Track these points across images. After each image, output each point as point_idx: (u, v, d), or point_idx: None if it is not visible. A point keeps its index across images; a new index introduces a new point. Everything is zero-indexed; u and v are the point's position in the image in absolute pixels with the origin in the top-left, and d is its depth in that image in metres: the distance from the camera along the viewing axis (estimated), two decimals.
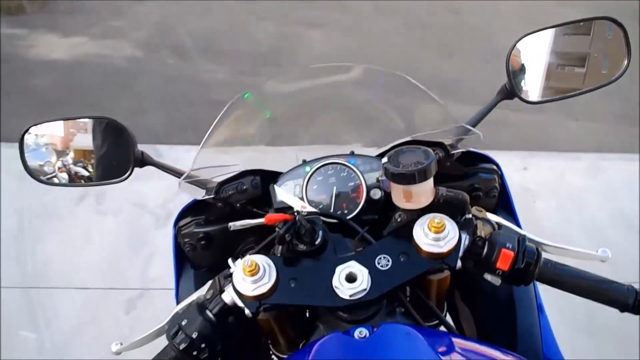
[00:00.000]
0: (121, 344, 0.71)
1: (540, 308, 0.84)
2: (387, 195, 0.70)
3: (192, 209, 0.86)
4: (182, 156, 2.60)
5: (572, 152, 2.96)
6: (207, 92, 3.24)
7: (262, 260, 0.61)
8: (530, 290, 0.84)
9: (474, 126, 0.80)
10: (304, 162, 0.81)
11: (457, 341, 0.60)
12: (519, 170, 2.70)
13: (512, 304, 0.81)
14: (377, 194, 0.75)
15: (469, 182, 0.80)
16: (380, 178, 0.64)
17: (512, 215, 0.86)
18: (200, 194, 0.81)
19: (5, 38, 4.16)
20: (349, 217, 0.73)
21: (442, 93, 0.87)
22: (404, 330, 0.56)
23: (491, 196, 0.81)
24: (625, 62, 0.76)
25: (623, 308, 0.62)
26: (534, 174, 2.67)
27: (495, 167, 0.83)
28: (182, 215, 0.86)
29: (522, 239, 0.62)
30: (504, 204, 0.85)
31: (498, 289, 0.73)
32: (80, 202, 2.24)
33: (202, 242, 0.82)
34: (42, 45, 4.07)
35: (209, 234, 0.82)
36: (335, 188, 0.76)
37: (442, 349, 0.55)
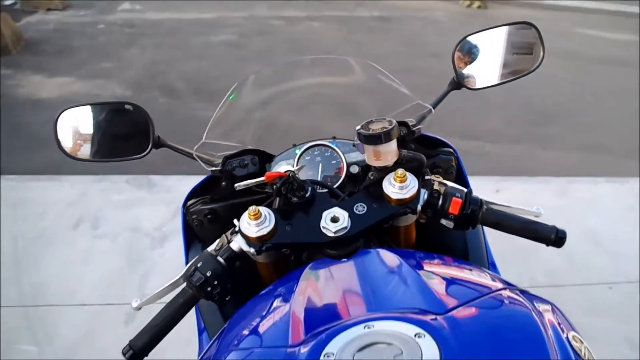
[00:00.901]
0: (140, 300, 0.80)
1: (492, 265, 0.99)
2: (364, 172, 0.84)
3: (198, 191, 0.97)
4: (175, 185, 2.71)
5: (541, 176, 3.17)
6: (199, 128, 3.37)
7: (263, 209, 0.74)
8: (481, 248, 0.98)
9: (422, 121, 0.95)
10: (294, 146, 0.94)
11: (428, 258, 0.72)
12: (492, 192, 2.88)
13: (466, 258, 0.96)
14: (355, 169, 0.89)
15: (430, 161, 0.95)
16: (355, 142, 0.79)
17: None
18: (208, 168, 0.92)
19: None
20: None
21: None
22: (380, 251, 0.69)
23: (449, 173, 0.96)
24: (542, 54, 0.94)
25: (547, 242, 0.77)
26: (506, 195, 2.85)
27: (452, 150, 0.98)
28: (189, 196, 0.97)
29: (469, 192, 0.78)
30: (460, 182, 1.00)
31: (455, 247, 0.87)
32: (77, 228, 2.32)
33: (209, 217, 0.93)
34: (30, 85, 4.18)
35: (215, 210, 0.93)
36: (320, 166, 0.90)
37: (413, 261, 0.67)
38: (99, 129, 0.88)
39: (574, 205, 2.84)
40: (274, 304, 0.65)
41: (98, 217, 2.39)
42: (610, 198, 2.97)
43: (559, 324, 0.54)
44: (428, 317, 0.51)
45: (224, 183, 0.91)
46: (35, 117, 3.61)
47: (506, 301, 0.57)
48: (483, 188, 2.87)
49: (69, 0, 6.85)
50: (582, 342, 0.54)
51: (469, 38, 0.93)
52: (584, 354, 0.52)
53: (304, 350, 0.49)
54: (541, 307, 0.56)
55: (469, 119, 4.11)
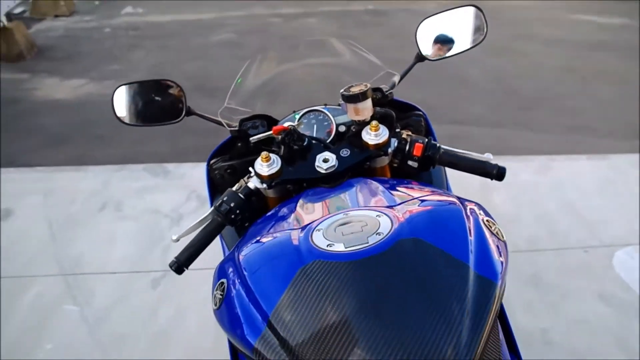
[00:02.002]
0: (178, 234, 1.02)
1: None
2: (349, 130, 1.08)
3: (219, 151, 1.21)
4: (188, 172, 2.97)
5: (525, 155, 3.41)
6: (204, 123, 3.63)
7: (272, 155, 0.99)
8: (444, 187, 1.21)
9: (397, 83, 1.19)
10: (294, 112, 1.18)
11: (395, 181, 0.95)
12: None
13: None
14: (342, 128, 1.11)
15: (404, 122, 1.19)
16: (339, 102, 1.03)
17: None
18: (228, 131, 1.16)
19: (9, 82, 4.53)
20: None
21: None
22: (360, 179, 0.93)
23: (419, 131, 1.19)
24: (486, 30, 1.18)
25: (491, 177, 1.00)
26: None
27: (422, 113, 1.22)
28: (212, 156, 1.21)
29: (429, 139, 1.01)
30: None
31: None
32: (102, 211, 2.58)
33: (228, 171, 1.17)
34: (45, 88, 4.44)
35: (233, 165, 1.17)
36: (315, 127, 1.14)
37: (384, 184, 0.90)
38: (144, 100, 1.13)
39: (554, 180, 3.07)
40: (280, 214, 0.89)
41: (120, 202, 2.65)
42: (590, 173, 3.19)
43: (479, 213, 0.78)
44: (386, 208, 0.75)
45: (239, 144, 1.16)
46: (53, 117, 3.88)
47: (442, 197, 0.81)
48: None
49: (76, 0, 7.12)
50: (494, 224, 0.78)
51: (428, 19, 1.17)
52: (495, 231, 0.76)
53: (302, 232, 0.74)
54: (468, 203, 0.80)
55: (457, 107, 4.35)
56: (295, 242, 0.73)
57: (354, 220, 0.73)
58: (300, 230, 0.75)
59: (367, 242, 0.68)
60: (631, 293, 2.17)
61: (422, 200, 0.79)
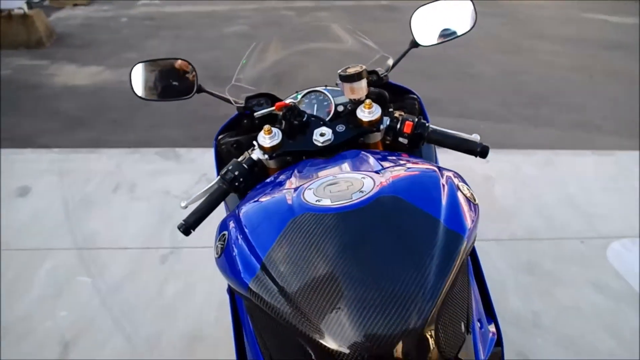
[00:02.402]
0: (186, 201, 1.12)
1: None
2: (346, 109, 1.16)
3: (226, 128, 1.29)
4: (198, 157, 3.08)
5: (528, 149, 3.46)
6: (215, 110, 3.73)
7: (274, 128, 1.07)
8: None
9: (392, 67, 1.26)
10: (296, 92, 1.26)
11: (385, 153, 1.02)
12: (482, 162, 3.18)
13: None
14: (340, 108, 1.19)
15: (399, 104, 1.26)
16: (337, 82, 1.11)
17: None
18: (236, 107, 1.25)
19: (29, 68, 4.68)
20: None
21: None
22: (353, 151, 1.01)
23: (413, 113, 1.27)
24: (475, 19, 1.24)
25: (475, 154, 1.08)
26: (494, 165, 3.15)
27: (416, 96, 1.30)
28: (220, 132, 1.29)
29: (419, 118, 1.09)
30: None
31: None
32: (116, 191, 2.69)
33: (234, 146, 1.25)
34: (64, 74, 4.57)
35: (239, 140, 1.25)
36: (315, 106, 1.22)
37: (375, 154, 0.98)
38: (158, 77, 1.22)
39: (557, 174, 3.13)
40: (278, 180, 0.98)
41: (133, 183, 2.76)
42: (593, 168, 3.24)
43: (454, 178, 0.86)
44: (372, 172, 0.84)
45: (245, 121, 1.25)
46: (71, 102, 4.01)
47: (422, 165, 0.89)
48: (474, 159, 3.19)
49: None
50: (469, 190, 0.86)
51: (422, 8, 1.25)
52: (469, 195, 0.84)
53: (295, 192, 0.83)
54: (446, 171, 0.88)
55: (465, 101, 4.41)
56: (289, 200, 0.82)
57: (341, 181, 0.82)
58: (293, 190, 0.84)
59: (351, 199, 0.76)
60: (623, 282, 2.23)
61: (405, 167, 0.88)
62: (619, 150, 3.50)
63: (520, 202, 2.80)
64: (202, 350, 1.78)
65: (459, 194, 0.81)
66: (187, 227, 1.05)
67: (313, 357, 0.68)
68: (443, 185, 0.81)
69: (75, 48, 5.28)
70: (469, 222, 0.77)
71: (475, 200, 0.85)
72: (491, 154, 3.38)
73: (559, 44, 6.41)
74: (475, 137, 1.12)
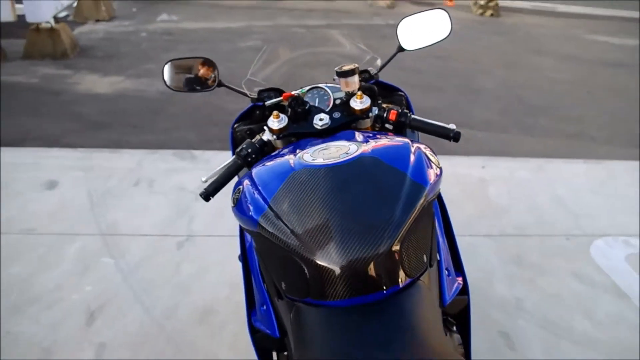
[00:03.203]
0: (206, 176, 1.33)
1: None
2: (342, 103, 1.37)
3: (242, 117, 1.50)
4: (212, 157, 3.31)
5: (523, 156, 3.65)
6: (229, 114, 3.98)
7: (281, 114, 1.28)
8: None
9: (382, 67, 1.48)
10: (301, 88, 1.47)
11: (374, 132, 1.23)
12: (478, 168, 3.38)
13: None
14: (338, 101, 1.38)
15: (388, 100, 1.47)
16: (334, 78, 1.32)
17: None
18: (249, 98, 1.46)
19: (55, 77, 4.97)
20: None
21: None
22: (347, 130, 1.22)
23: (400, 107, 1.48)
24: (451, 27, 1.44)
25: (449, 139, 1.26)
26: (490, 170, 3.34)
27: (403, 93, 1.50)
28: (236, 121, 1.50)
29: (402, 109, 1.30)
30: None
31: None
32: (136, 186, 2.92)
33: (248, 133, 1.45)
34: (87, 83, 4.86)
35: (252, 128, 1.45)
36: (317, 99, 1.43)
37: (365, 133, 1.19)
38: (185, 72, 1.44)
39: (549, 178, 3.31)
40: (282, 152, 1.19)
41: (152, 179, 2.99)
42: (584, 174, 3.42)
43: (423, 148, 1.06)
44: (358, 142, 1.05)
45: (257, 112, 1.47)
46: (94, 107, 4.27)
47: (398, 138, 1.10)
48: (471, 165, 3.40)
49: (116, 0, 7.62)
50: (434, 157, 1.06)
51: (406, 18, 1.46)
52: (434, 161, 1.04)
53: (295, 156, 1.04)
54: (417, 143, 1.08)
55: (466, 112, 4.62)
56: (290, 162, 1.03)
57: (332, 147, 1.04)
58: (294, 155, 1.06)
59: (339, 158, 0.98)
60: (603, 275, 2.40)
61: (384, 139, 1.09)
62: (609, 159, 3.68)
63: (512, 202, 2.99)
64: (213, 321, 1.98)
65: (424, 158, 1.02)
66: (207, 194, 1.26)
67: (307, 273, 0.88)
68: (412, 151, 1.02)
69: (97, 59, 5.59)
70: (431, 178, 0.97)
71: (439, 164, 1.06)
72: (487, 160, 3.59)
73: (560, 61, 6.62)
74: (452, 126, 1.32)
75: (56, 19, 5.71)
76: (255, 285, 1.26)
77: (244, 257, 1.36)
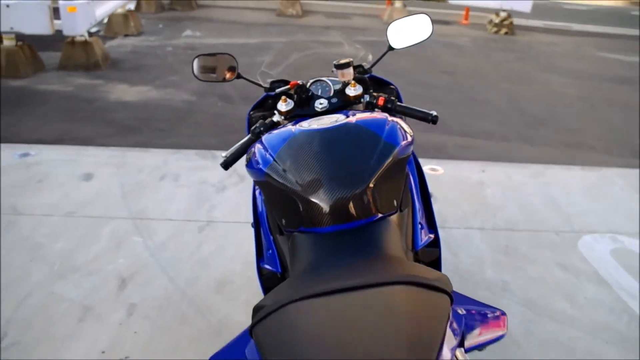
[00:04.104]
0: (226, 152, 1.61)
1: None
2: (339, 91, 1.64)
3: (258, 105, 1.78)
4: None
5: (522, 162, 3.88)
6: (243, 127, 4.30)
7: (288, 99, 1.55)
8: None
9: (373, 65, 1.74)
10: (306, 81, 1.75)
11: (365, 111, 1.50)
12: (478, 172, 3.61)
13: None
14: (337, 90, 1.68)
15: (380, 92, 1.73)
16: (332, 70, 1.59)
17: None
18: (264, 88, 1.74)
19: (88, 86, 5.37)
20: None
21: None
22: (341, 112, 1.49)
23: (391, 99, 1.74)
24: (432, 29, 1.69)
25: (428, 121, 1.52)
26: (489, 174, 3.58)
27: (394, 87, 1.77)
28: (252, 109, 1.78)
29: (388, 96, 1.55)
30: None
31: None
32: (162, 180, 3.23)
33: (261, 117, 1.72)
34: (117, 92, 5.24)
35: (265, 115, 1.72)
36: (320, 90, 1.69)
37: (356, 112, 1.46)
38: (210, 65, 1.73)
39: (545, 182, 3.53)
40: (286, 125, 1.47)
41: (177, 174, 3.30)
42: (580, 180, 3.63)
43: (399, 121, 1.32)
44: (347, 114, 1.33)
45: (270, 101, 1.75)
46: (123, 113, 4.64)
47: (380, 113, 1.37)
48: (471, 168, 3.64)
49: (145, 15, 8.07)
50: (409, 128, 1.32)
51: (395, 22, 1.74)
52: (407, 129, 1.30)
53: (295, 124, 1.32)
54: (396, 117, 1.35)
55: (470, 122, 4.86)
56: (292, 129, 1.31)
57: (325, 118, 1.32)
58: (295, 125, 1.34)
59: (329, 124, 1.25)
60: (588, 266, 2.61)
61: (367, 114, 1.36)
62: (605, 167, 3.88)
63: (507, 202, 3.21)
64: (229, 290, 2.24)
65: (398, 127, 1.29)
66: (227, 163, 1.54)
67: (301, 208, 1.15)
68: (388, 122, 1.29)
69: (127, 71, 6.00)
70: (402, 141, 1.24)
71: (412, 134, 1.32)
72: (487, 165, 3.83)
73: (568, 77, 6.84)
74: (433, 112, 1.59)
75: (89, 34, 6.15)
76: (263, 236, 1.53)
77: (256, 221, 1.64)
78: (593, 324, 2.19)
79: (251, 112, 1.79)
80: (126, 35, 7.71)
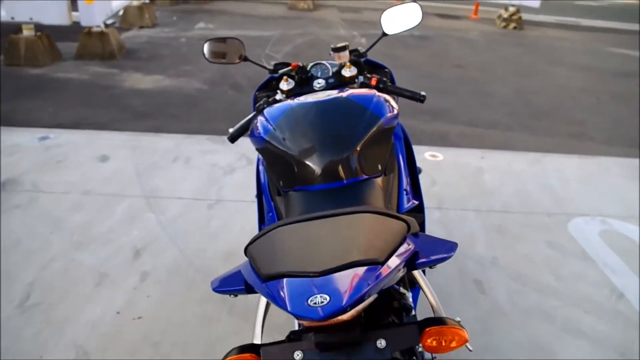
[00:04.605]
0: (232, 128, 1.77)
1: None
2: (336, 72, 1.78)
3: (263, 86, 1.93)
4: (241, 142, 3.76)
5: (521, 151, 3.99)
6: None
7: (289, 79, 1.70)
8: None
9: (367, 51, 1.88)
10: (306, 63, 1.89)
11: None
12: (478, 158, 3.74)
13: None
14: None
15: (374, 74, 1.88)
16: (329, 53, 1.75)
17: None
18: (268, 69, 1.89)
19: (105, 74, 5.57)
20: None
21: None
22: (336, 90, 1.64)
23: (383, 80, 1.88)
24: (421, 17, 1.82)
25: (417, 100, 1.67)
26: (488, 161, 3.70)
27: (388, 70, 1.91)
28: (257, 89, 1.93)
29: (381, 76, 1.69)
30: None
31: None
32: (175, 162, 3.41)
33: (265, 97, 1.90)
34: (132, 80, 5.44)
35: (269, 94, 1.88)
36: (319, 72, 1.84)
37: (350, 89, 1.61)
38: (219, 48, 1.89)
39: (542, 169, 3.65)
40: (287, 101, 1.62)
41: (188, 157, 3.47)
42: (576, 167, 3.74)
43: (386, 96, 1.47)
44: (340, 90, 1.48)
45: (274, 82, 1.91)
46: (138, 100, 4.83)
47: (371, 90, 1.51)
48: (472, 155, 3.76)
49: (160, 7, 8.27)
50: (395, 103, 1.47)
51: (388, 9, 1.87)
52: (393, 104, 1.45)
53: (295, 98, 1.47)
54: (383, 94, 1.49)
55: (475, 113, 4.98)
56: (291, 102, 1.46)
57: (320, 93, 1.47)
58: (293, 99, 1.49)
59: (323, 98, 1.41)
60: (575, 245, 2.73)
61: (358, 89, 1.51)
62: (603, 155, 3.98)
63: (503, 187, 3.34)
64: (235, 260, 2.41)
65: (384, 101, 1.44)
66: (233, 137, 1.70)
67: (296, 170, 1.31)
68: (375, 96, 1.44)
69: (141, 60, 6.19)
70: (387, 113, 1.39)
71: (397, 107, 1.47)
72: (487, 152, 3.98)
73: (575, 71, 6.90)
74: (422, 92, 1.72)
75: (105, 25, 6.35)
76: (265, 203, 1.69)
77: (259, 191, 1.79)
78: (575, 295, 2.32)
79: (257, 93, 1.95)
80: (141, 27, 7.91)
